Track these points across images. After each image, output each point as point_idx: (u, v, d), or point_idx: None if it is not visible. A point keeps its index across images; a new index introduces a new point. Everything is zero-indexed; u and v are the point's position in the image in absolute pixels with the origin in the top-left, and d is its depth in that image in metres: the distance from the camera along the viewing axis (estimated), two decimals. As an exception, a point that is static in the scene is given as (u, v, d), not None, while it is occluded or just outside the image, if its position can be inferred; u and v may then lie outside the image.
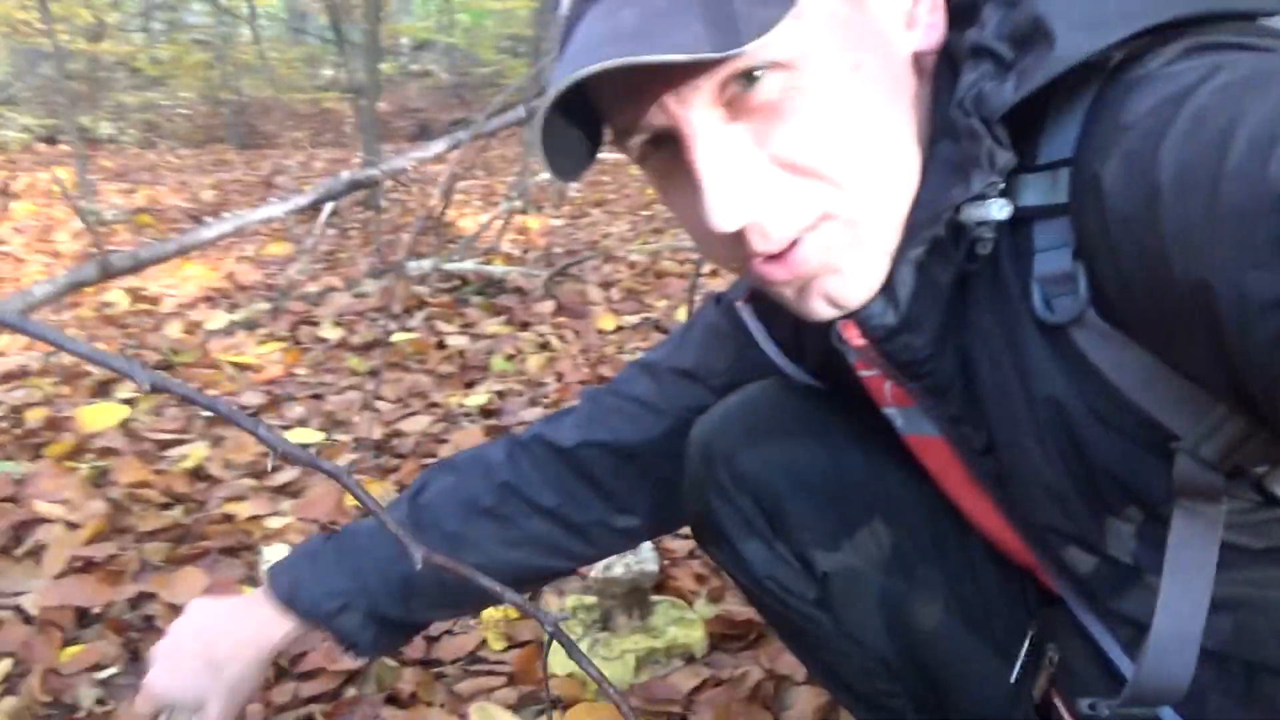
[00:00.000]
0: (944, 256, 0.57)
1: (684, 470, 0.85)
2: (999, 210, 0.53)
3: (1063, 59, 0.49)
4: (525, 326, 2.77)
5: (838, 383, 0.81)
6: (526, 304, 2.94)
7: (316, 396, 2.24)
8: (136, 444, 1.89)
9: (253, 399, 2.18)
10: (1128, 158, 0.47)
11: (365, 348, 2.57)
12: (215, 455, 1.86)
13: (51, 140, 8.59)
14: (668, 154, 0.57)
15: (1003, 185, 0.53)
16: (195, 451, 1.84)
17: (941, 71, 0.58)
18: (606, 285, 3.21)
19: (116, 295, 2.98)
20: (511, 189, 4.21)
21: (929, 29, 0.57)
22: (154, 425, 2.00)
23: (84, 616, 1.33)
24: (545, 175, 3.45)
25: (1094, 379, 0.54)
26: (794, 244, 0.55)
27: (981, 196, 0.53)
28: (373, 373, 2.31)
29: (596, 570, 1.37)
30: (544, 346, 2.61)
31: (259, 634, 0.90)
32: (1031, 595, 0.79)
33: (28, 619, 1.31)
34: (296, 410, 2.13)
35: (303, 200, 1.52)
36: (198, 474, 1.79)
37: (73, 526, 1.54)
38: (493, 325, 2.75)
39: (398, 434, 2.02)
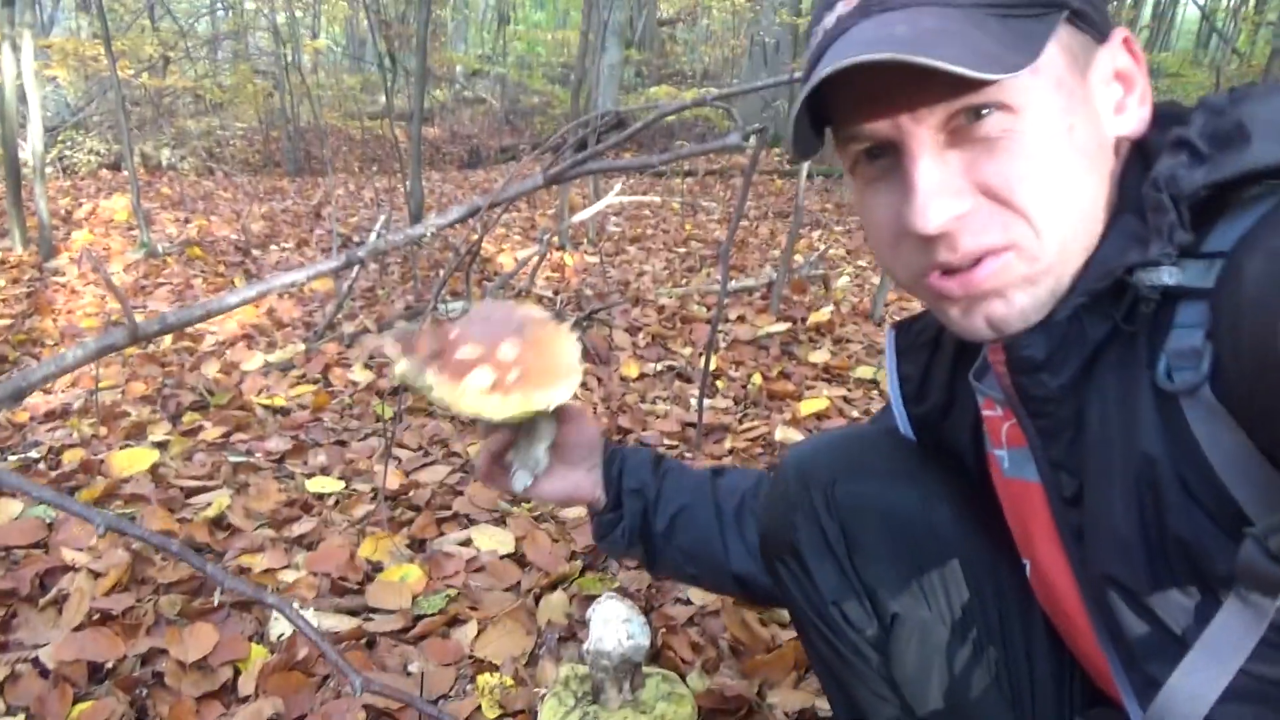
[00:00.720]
0: (1102, 312, 0.63)
1: (773, 485, 0.93)
2: (1169, 276, 0.58)
3: (1253, 161, 0.56)
4: (550, 373, 2.81)
5: (938, 439, 0.89)
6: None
7: (341, 443, 2.30)
8: (164, 490, 1.96)
9: (279, 444, 2.25)
10: (1272, 253, 0.53)
11: (393, 392, 2.63)
12: (237, 504, 1.91)
13: (116, 166, 8.91)
14: (882, 165, 0.65)
15: (1175, 257, 0.59)
16: (219, 500, 1.90)
17: (1133, 159, 0.65)
18: (633, 330, 3.24)
19: (161, 332, 3.09)
20: (545, 230, 4.27)
21: (1136, 119, 0.65)
22: (182, 471, 2.07)
23: (96, 670, 1.38)
24: (584, 215, 3.51)
25: (1190, 449, 0.59)
26: (976, 263, 0.62)
27: (1155, 263, 0.59)
28: (398, 418, 2.36)
29: (589, 642, 1.40)
30: (566, 394, 2.64)
31: None
32: (1077, 693, 0.84)
33: (44, 672, 1.37)
34: (320, 458, 2.19)
35: (324, 267, 1.57)
36: (219, 523, 1.85)
37: (95, 575, 1.60)
38: (518, 371, 2.79)
39: (415, 485, 2.06)
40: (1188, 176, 0.57)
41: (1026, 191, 0.60)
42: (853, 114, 0.64)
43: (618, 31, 9.19)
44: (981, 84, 0.57)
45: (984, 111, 0.59)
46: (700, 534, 1.03)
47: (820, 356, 2.93)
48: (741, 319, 3.31)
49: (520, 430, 0.96)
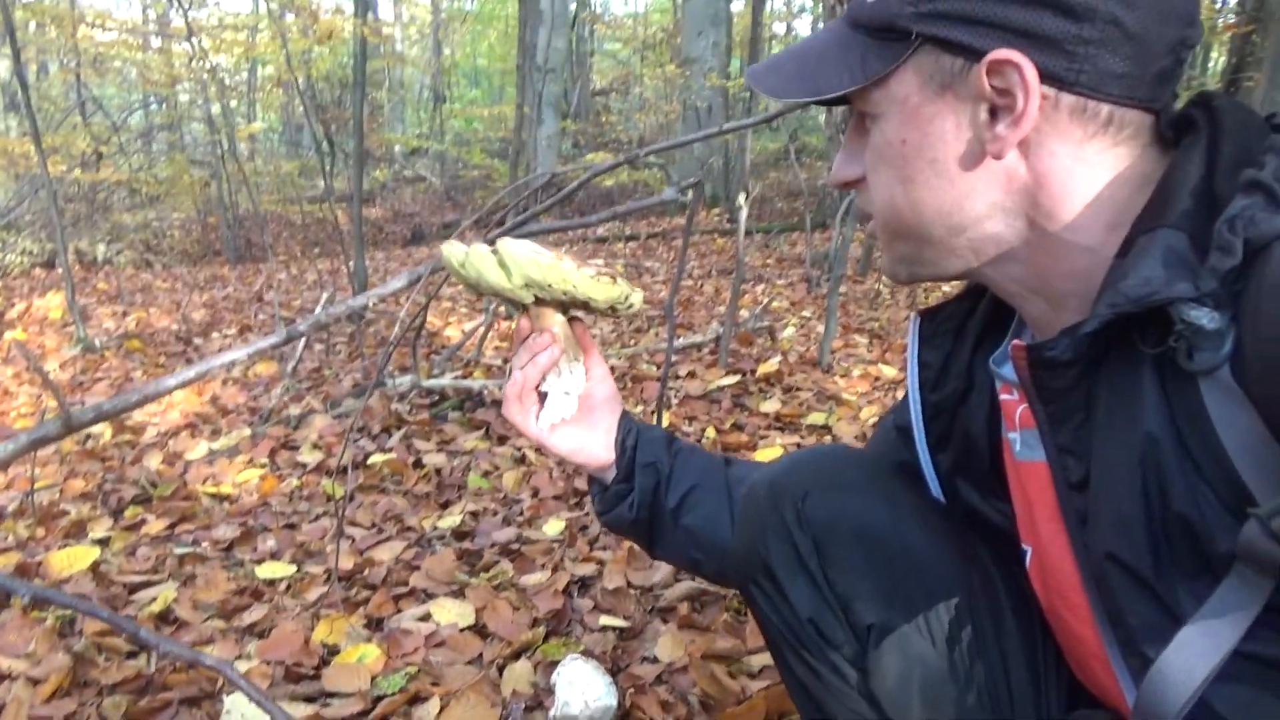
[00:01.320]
0: (1129, 326, 0.64)
1: (744, 507, 0.93)
2: (1209, 320, 0.59)
3: None
4: (503, 441, 2.79)
5: (951, 426, 0.91)
6: (504, 417, 2.95)
7: (291, 526, 2.24)
8: (106, 588, 1.88)
9: (226, 532, 2.18)
10: None
11: (343, 471, 2.58)
12: (184, 596, 1.85)
13: (50, 265, 8.76)
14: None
15: (1222, 300, 0.59)
16: (165, 594, 1.84)
17: (1184, 161, 0.66)
18: (585, 392, 3.23)
19: (100, 425, 3.01)
20: (491, 300, 4.27)
21: (998, 141, 0.68)
22: (125, 567, 2.00)
23: (37, 783, 1.31)
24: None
25: (1203, 428, 0.60)
26: (869, 215, 0.80)
27: (1199, 300, 0.59)
28: (350, 497, 2.31)
29: (555, 709, 1.36)
30: (520, 461, 2.62)
31: None
32: (1054, 697, 0.85)
33: (-21, 789, 1.29)
34: (269, 543, 2.13)
35: (264, 344, 1.55)
36: (165, 617, 1.78)
37: (35, 683, 1.53)
38: (470, 440, 2.77)
39: (370, 563, 2.01)
40: (1268, 222, 0.58)
41: (871, 179, 0.76)
42: None
43: (553, 103, 9.37)
44: (859, 94, 0.72)
45: (867, 112, 0.74)
46: (709, 515, 1.01)
47: (771, 406, 2.95)
48: (692, 375, 3.33)
49: (565, 350, 0.97)
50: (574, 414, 0.99)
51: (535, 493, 2.38)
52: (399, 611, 1.80)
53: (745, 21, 13.88)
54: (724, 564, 1.03)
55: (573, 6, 12.21)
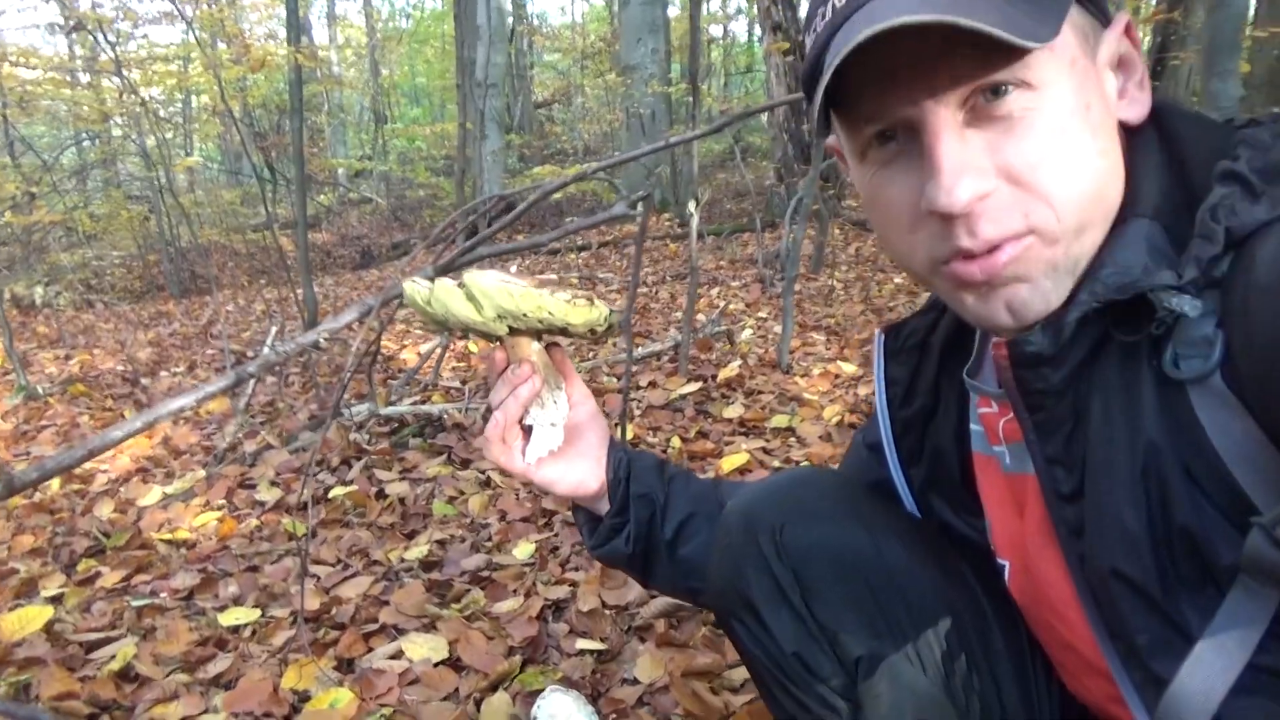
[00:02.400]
0: (1112, 319, 0.62)
1: (718, 540, 0.90)
2: (1191, 308, 0.57)
3: None
4: (466, 465, 2.74)
5: (920, 443, 0.89)
6: (466, 440, 2.91)
7: (253, 569, 2.18)
8: (61, 649, 1.81)
9: (185, 580, 2.12)
10: None
11: (303, 507, 2.52)
12: (144, 651, 1.78)
13: (-14, 311, 8.50)
14: (893, 148, 0.64)
15: (1202, 289, 0.58)
16: (124, 650, 1.77)
17: (1143, 154, 0.65)
18: (547, 409, 3.20)
19: (47, 478, 2.91)
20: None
21: (1137, 104, 0.65)
22: (81, 624, 1.92)
23: None
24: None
25: (1197, 437, 0.58)
26: (995, 249, 0.61)
27: (1180, 288, 0.58)
28: (312, 534, 2.26)
29: (537, 741, 1.33)
30: (485, 484, 2.58)
31: None
32: (1045, 710, 0.83)
33: None
34: (231, 588, 2.07)
35: (213, 388, 1.51)
36: (126, 675, 1.72)
37: (-10, 756, 1.46)
38: (433, 467, 2.72)
39: (337, 601, 1.96)
40: (1249, 211, 0.57)
41: (1048, 173, 0.60)
42: (870, 92, 0.62)
43: (496, 118, 9.31)
44: (1008, 58, 0.57)
45: (1005, 89, 0.59)
46: (706, 545, 0.98)
47: (734, 411, 2.94)
48: (653, 384, 3.31)
49: (546, 379, 0.93)
50: (561, 445, 0.95)
51: (503, 516, 2.35)
52: (370, 650, 1.75)
53: (683, 28, 13.95)
54: None
55: (510, 20, 12.17)
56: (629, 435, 2.67)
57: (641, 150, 1.87)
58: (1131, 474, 0.62)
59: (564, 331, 0.90)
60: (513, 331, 0.90)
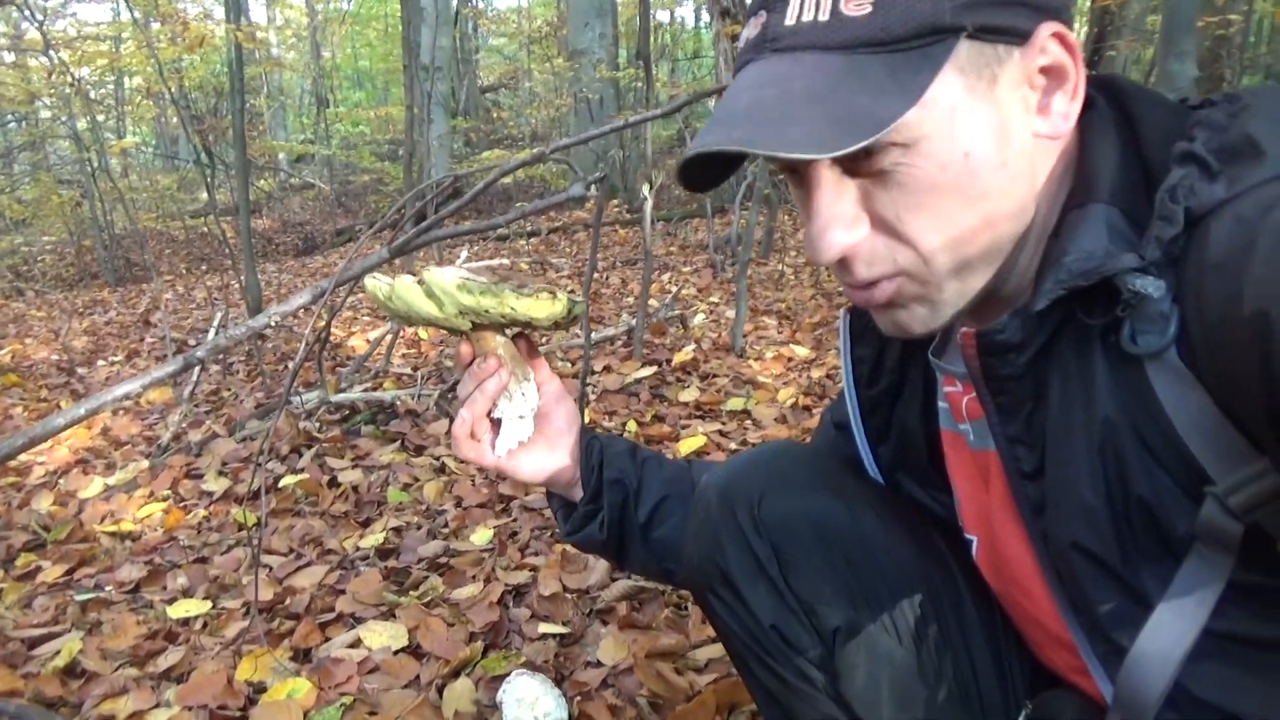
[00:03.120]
0: (1077, 302, 0.63)
1: (694, 515, 0.89)
2: (1154, 288, 0.58)
3: (1272, 168, 0.56)
4: (420, 451, 2.71)
5: (888, 421, 0.90)
6: (419, 427, 2.87)
7: (202, 560, 2.13)
8: (2, 646, 1.75)
9: (131, 573, 2.06)
10: (1239, 218, 0.55)
11: (253, 497, 2.47)
12: (90, 646, 1.73)
13: (-92, 300, 8.16)
14: (796, 180, 0.67)
15: (1163, 268, 0.59)
16: (68, 645, 1.72)
17: (1099, 138, 0.65)
18: (501, 395, 3.17)
19: (-20, 470, 2.81)
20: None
21: (1061, 118, 0.64)
22: (21, 621, 1.86)
23: None
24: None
25: (1153, 411, 0.60)
26: (873, 284, 0.66)
27: (1143, 270, 0.59)
28: (260, 523, 2.21)
29: (503, 726, 1.32)
30: (440, 470, 2.55)
31: None
32: (1017, 680, 0.84)
33: None
34: (180, 580, 2.01)
35: (160, 374, 1.46)
36: (72, 671, 1.67)
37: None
38: (386, 454, 2.68)
39: (291, 591, 1.92)
40: (1207, 191, 0.58)
41: (915, 223, 0.62)
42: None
43: (441, 102, 9.18)
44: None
45: (873, 150, 0.60)
46: (680, 526, 0.98)
47: (690, 395, 2.94)
48: (608, 369, 3.30)
49: (514, 370, 0.91)
50: (531, 435, 0.94)
51: (459, 502, 2.32)
52: (326, 640, 1.72)
53: (629, 12, 13.89)
54: None
55: (454, 3, 11.99)
56: (585, 419, 2.66)
57: (600, 130, 1.85)
58: (1089, 450, 0.64)
59: (528, 325, 0.89)
60: (476, 326, 0.88)
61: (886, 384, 0.90)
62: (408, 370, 3.63)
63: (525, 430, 0.93)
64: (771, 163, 0.69)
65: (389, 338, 3.72)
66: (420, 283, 0.83)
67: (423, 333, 4.34)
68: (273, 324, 1.58)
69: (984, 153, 0.61)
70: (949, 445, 0.84)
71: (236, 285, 5.79)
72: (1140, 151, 0.64)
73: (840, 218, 0.63)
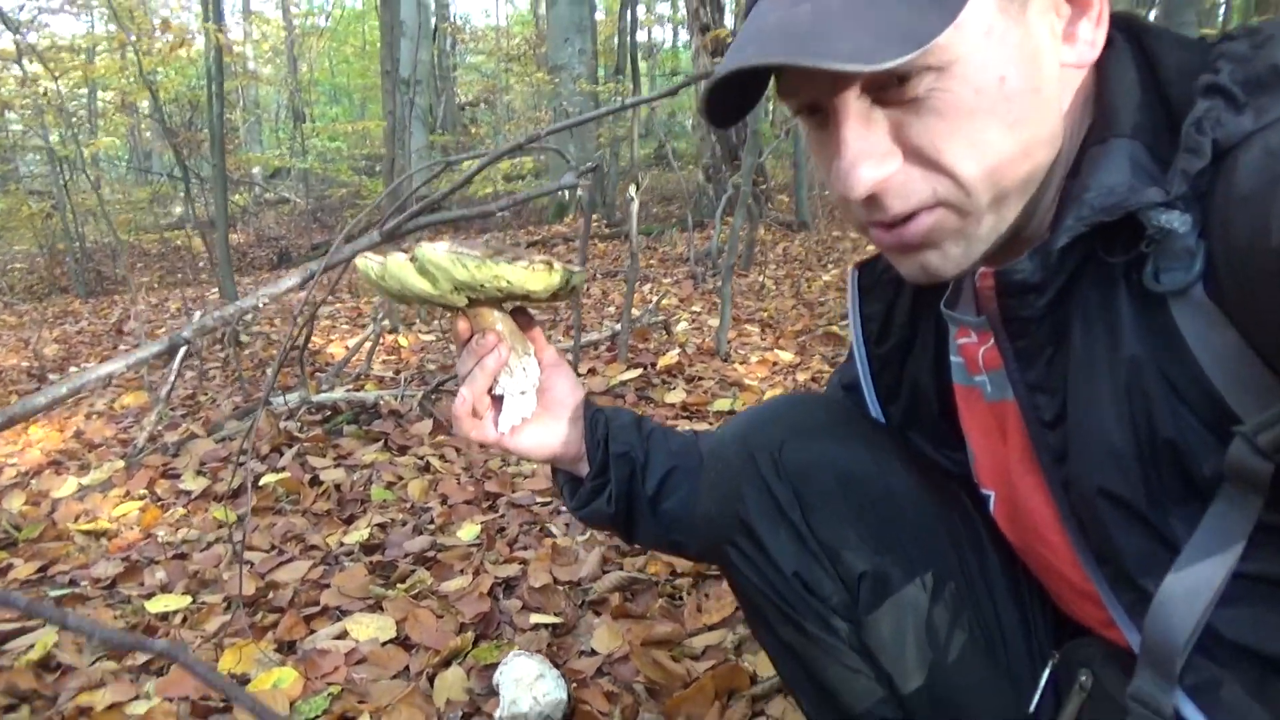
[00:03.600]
0: (1099, 240, 0.61)
1: (711, 464, 0.87)
2: (1180, 223, 0.56)
3: None
4: (403, 451, 2.67)
5: (899, 377, 0.89)
6: (403, 427, 2.84)
7: (180, 556, 2.08)
8: (-29, 641, 1.69)
9: (107, 569, 2.00)
10: (1267, 149, 0.54)
11: (233, 495, 2.42)
12: (66, 639, 1.68)
13: (-127, 310, 7.98)
14: (817, 121, 0.66)
15: (1191, 202, 0.57)
16: (43, 639, 1.66)
17: (1119, 72, 0.64)
18: (485, 397, 3.14)
19: (-52, 471, 2.73)
20: (377, 308, 4.13)
21: (1088, 46, 0.64)
22: (-7, 615, 1.80)
23: None
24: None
25: (1179, 349, 0.58)
26: (908, 219, 0.63)
27: (1169, 204, 0.57)
28: (241, 519, 2.16)
29: (503, 709, 1.29)
30: (425, 469, 2.51)
31: None
32: (1041, 631, 0.83)
33: None
34: (158, 575, 1.96)
35: (146, 353, 1.42)
36: (46, 664, 1.61)
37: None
38: (369, 454, 2.64)
39: (274, 585, 1.88)
40: (1235, 122, 0.56)
41: (952, 151, 0.60)
42: (781, 80, 0.65)
43: (420, 117, 9.17)
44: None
45: (908, 74, 0.58)
46: (688, 497, 0.94)
47: (676, 396, 2.93)
48: (593, 371, 3.28)
49: (513, 347, 0.88)
50: (534, 410, 0.91)
51: (444, 500, 2.28)
52: (312, 632, 1.68)
53: (608, 30, 13.98)
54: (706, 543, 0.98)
55: (433, 20, 12.01)
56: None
57: (596, 112, 1.84)
58: (1115, 392, 0.62)
59: (525, 298, 0.87)
60: (472, 302, 0.86)
61: (896, 340, 0.88)
62: (389, 374, 3.59)
63: (528, 406, 0.91)
64: (793, 97, 0.65)
65: (368, 344, 3.68)
66: (413, 259, 0.80)
67: (403, 340, 4.30)
68: (260, 305, 1.55)
69: (1018, 77, 0.60)
70: (963, 400, 0.83)
71: (213, 298, 5.72)
72: (1161, 87, 0.63)
73: (871, 151, 0.61)
